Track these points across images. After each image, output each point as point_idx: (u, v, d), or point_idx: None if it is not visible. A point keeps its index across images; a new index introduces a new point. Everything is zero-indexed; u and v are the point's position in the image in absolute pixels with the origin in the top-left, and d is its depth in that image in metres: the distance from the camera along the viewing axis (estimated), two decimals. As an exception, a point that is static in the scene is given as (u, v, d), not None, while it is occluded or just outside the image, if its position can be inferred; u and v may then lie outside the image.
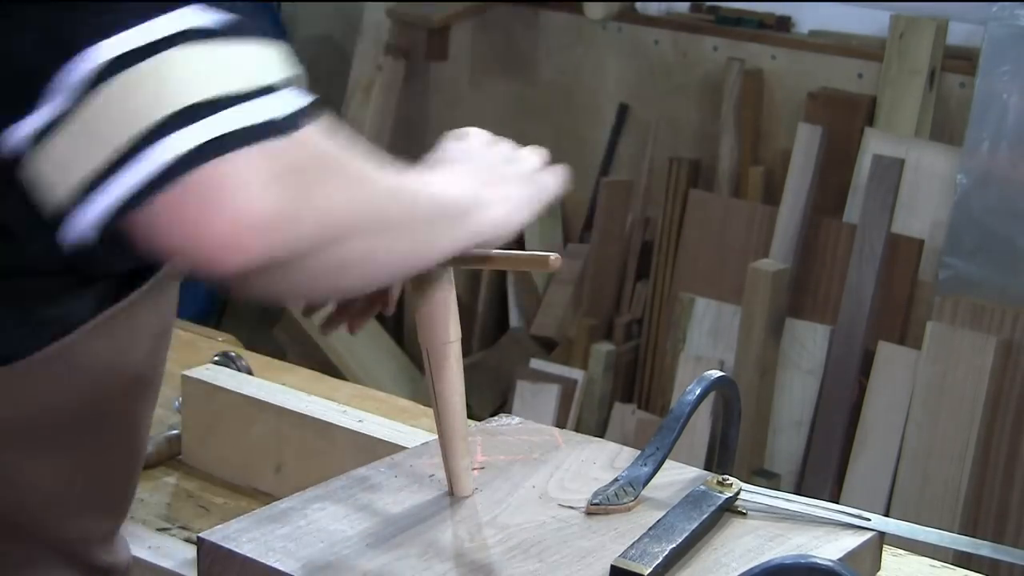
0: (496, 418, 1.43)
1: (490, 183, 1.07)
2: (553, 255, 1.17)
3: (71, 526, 1.05)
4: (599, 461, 1.33)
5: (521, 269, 1.25)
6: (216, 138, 0.81)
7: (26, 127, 0.82)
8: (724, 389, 1.31)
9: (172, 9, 0.82)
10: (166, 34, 0.82)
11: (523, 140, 1.17)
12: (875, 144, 3.37)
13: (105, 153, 0.80)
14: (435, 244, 0.98)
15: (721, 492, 1.24)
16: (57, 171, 0.82)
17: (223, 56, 0.83)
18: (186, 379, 1.61)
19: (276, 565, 1.12)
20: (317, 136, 0.86)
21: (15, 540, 1.02)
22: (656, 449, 1.28)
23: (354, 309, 1.27)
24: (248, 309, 4.48)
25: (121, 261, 0.99)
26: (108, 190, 0.81)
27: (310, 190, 0.84)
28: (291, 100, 0.85)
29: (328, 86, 4.34)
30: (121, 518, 1.13)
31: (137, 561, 1.30)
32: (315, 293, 0.92)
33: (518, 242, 3.90)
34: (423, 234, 0.96)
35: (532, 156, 1.16)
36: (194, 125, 0.80)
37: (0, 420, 0.98)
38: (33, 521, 1.03)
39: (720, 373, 1.31)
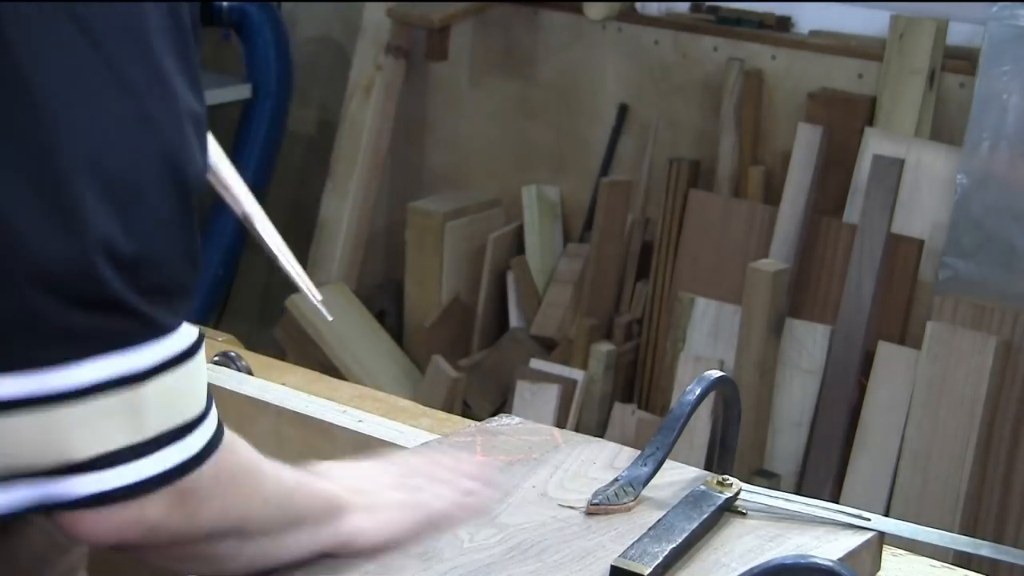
0: (496, 418, 1.43)
1: (395, 487, 1.11)
2: None
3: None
4: (599, 461, 1.33)
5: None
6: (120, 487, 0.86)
7: None
8: (724, 389, 1.31)
9: (95, 358, 0.84)
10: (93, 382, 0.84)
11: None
12: (875, 144, 3.37)
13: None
14: (291, 548, 1.03)
15: (721, 492, 1.24)
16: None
17: (139, 402, 0.86)
18: (186, 379, 1.61)
19: (276, 565, 1.12)
20: (215, 464, 0.91)
21: None
22: (656, 449, 1.28)
23: None
24: (248, 309, 4.48)
25: None
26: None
27: (198, 512, 0.91)
28: (201, 434, 0.89)
29: (328, 86, 4.34)
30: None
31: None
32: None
33: (519, 244, 3.91)
34: (282, 540, 1.02)
35: (470, 480, 1.16)
36: (103, 472, 0.85)
37: None
38: None
39: (720, 373, 1.31)
